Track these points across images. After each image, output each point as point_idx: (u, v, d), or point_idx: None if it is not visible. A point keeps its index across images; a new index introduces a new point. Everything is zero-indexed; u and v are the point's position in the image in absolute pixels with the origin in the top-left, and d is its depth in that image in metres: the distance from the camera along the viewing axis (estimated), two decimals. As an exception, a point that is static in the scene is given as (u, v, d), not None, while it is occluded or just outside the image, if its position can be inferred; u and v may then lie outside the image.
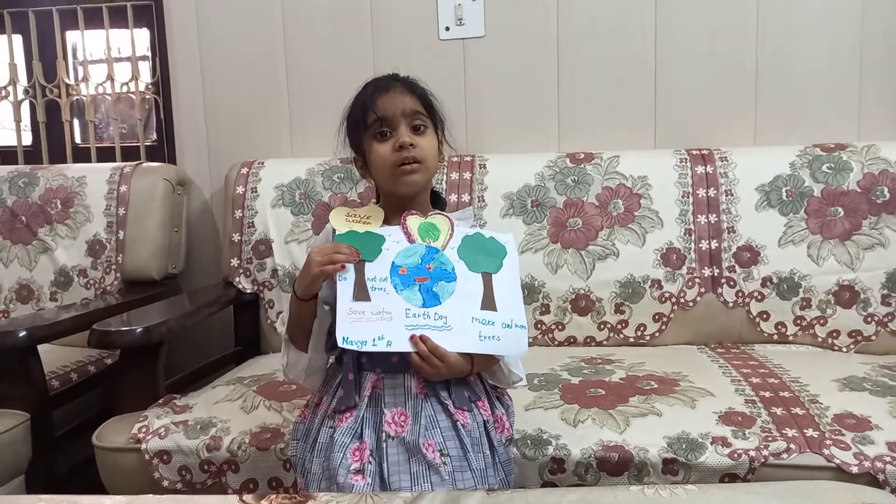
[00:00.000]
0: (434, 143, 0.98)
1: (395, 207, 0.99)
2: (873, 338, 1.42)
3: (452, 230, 0.97)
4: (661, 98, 1.68)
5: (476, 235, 0.97)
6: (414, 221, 0.96)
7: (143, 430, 1.12)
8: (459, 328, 0.90)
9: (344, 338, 0.87)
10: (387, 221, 0.98)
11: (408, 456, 0.88)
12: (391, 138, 0.94)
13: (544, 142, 1.72)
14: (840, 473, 0.94)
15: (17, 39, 2.03)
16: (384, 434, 0.90)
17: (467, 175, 1.60)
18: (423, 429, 0.89)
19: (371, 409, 0.92)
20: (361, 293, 0.90)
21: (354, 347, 0.88)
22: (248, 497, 0.80)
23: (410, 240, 0.95)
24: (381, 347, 0.88)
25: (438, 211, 1.00)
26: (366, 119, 0.95)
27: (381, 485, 0.88)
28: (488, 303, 0.92)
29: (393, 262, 0.93)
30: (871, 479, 0.93)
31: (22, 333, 1.26)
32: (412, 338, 0.88)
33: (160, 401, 1.21)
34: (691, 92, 1.67)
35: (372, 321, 0.89)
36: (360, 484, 0.86)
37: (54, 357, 1.49)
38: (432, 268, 0.93)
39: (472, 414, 0.93)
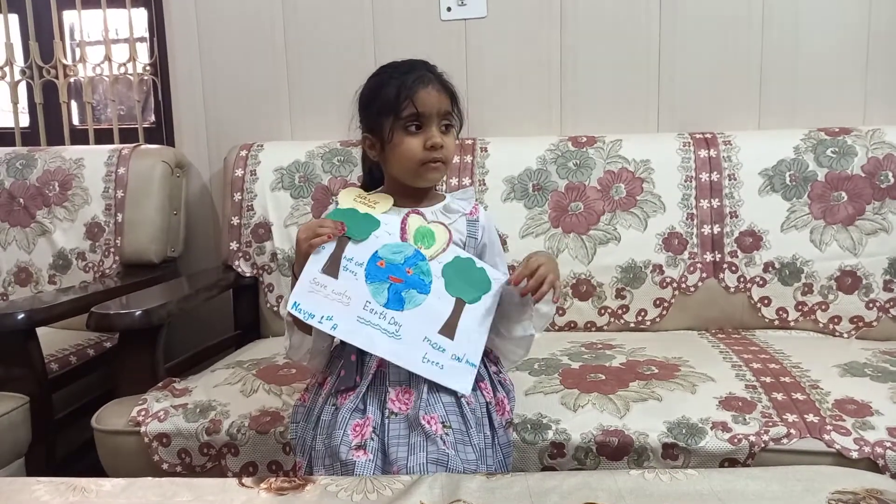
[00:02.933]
0: (455, 143, 0.99)
1: (400, 192, 1.00)
2: (875, 324, 1.42)
3: (448, 245, 0.95)
4: (665, 81, 1.66)
5: (468, 261, 0.95)
6: (414, 222, 0.95)
7: (143, 413, 1.12)
8: (407, 341, 0.89)
9: (295, 303, 0.87)
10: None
11: (409, 430, 0.89)
12: (422, 133, 0.94)
13: (546, 125, 1.70)
14: (840, 459, 0.94)
15: (14, 19, 2.01)
16: (388, 411, 0.90)
17: (468, 158, 1.59)
18: (425, 403, 0.90)
19: (375, 388, 0.93)
20: (332, 268, 0.89)
21: (300, 316, 0.88)
22: (247, 480, 0.80)
23: (403, 237, 0.93)
24: (325, 328, 0.88)
25: (442, 222, 0.98)
26: (400, 108, 0.94)
27: (384, 460, 0.88)
28: (448, 329, 0.91)
29: (375, 252, 0.91)
30: (870, 464, 0.93)
31: (20, 316, 1.26)
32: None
33: (159, 384, 1.21)
34: (695, 75, 1.65)
35: (329, 299, 0.88)
36: (362, 460, 0.86)
37: (53, 340, 1.49)
38: (411, 272, 0.92)
39: (475, 394, 0.93)
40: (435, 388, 0.91)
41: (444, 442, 0.87)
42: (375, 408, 0.91)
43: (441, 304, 0.91)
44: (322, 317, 0.87)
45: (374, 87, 0.98)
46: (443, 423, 0.89)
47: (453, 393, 0.91)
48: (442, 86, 0.96)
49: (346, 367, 0.94)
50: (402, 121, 0.94)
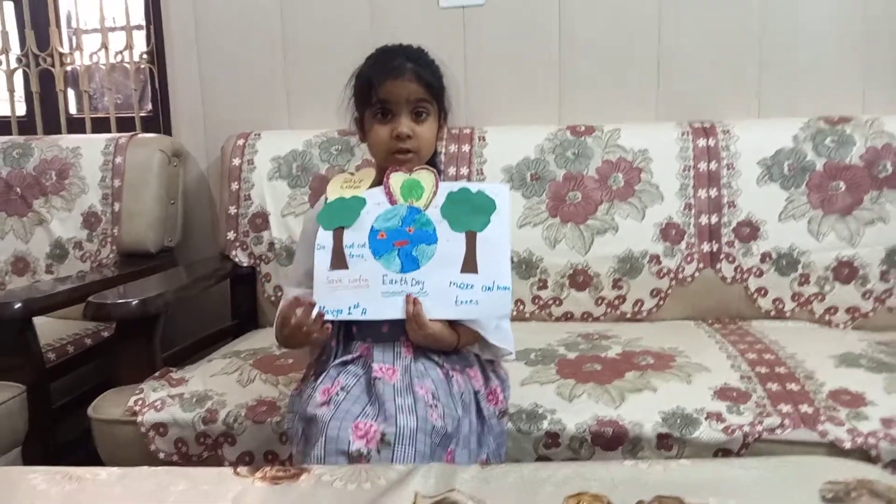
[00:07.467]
0: (433, 130, 0.97)
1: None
2: (871, 314, 1.42)
3: (437, 187, 0.93)
4: (664, 70, 1.65)
5: (462, 191, 0.93)
6: (397, 179, 0.94)
7: (140, 402, 1.12)
8: (435, 293, 0.90)
9: (320, 307, 0.89)
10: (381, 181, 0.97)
11: (394, 395, 0.89)
12: (391, 121, 0.94)
13: (544, 114, 1.69)
14: (833, 449, 0.95)
15: (9, 6, 1.99)
16: (374, 378, 0.90)
17: (466, 148, 1.58)
18: (414, 376, 0.91)
19: (358, 365, 0.93)
20: (339, 261, 0.90)
21: (330, 317, 0.89)
22: (242, 469, 0.81)
23: (392, 201, 0.93)
24: (357, 315, 0.90)
25: (425, 165, 0.96)
26: (369, 97, 0.94)
27: (370, 411, 0.87)
28: (469, 265, 0.91)
29: (372, 227, 0.92)
30: (863, 454, 0.94)
31: (17, 305, 1.26)
32: (407, 297, 0.89)
33: (156, 374, 1.21)
34: (694, 64, 1.64)
35: (349, 289, 0.90)
36: (322, 412, 0.87)
37: (51, 330, 1.49)
38: (413, 230, 0.92)
39: (464, 378, 0.94)
40: (423, 367, 0.92)
41: (433, 413, 0.87)
42: (352, 375, 0.91)
43: (453, 246, 0.91)
44: (349, 307, 0.89)
45: (357, 73, 0.99)
46: (432, 394, 0.90)
47: (444, 371, 0.92)
48: (415, 75, 0.93)
49: (327, 353, 0.96)
50: (372, 108, 0.95)
